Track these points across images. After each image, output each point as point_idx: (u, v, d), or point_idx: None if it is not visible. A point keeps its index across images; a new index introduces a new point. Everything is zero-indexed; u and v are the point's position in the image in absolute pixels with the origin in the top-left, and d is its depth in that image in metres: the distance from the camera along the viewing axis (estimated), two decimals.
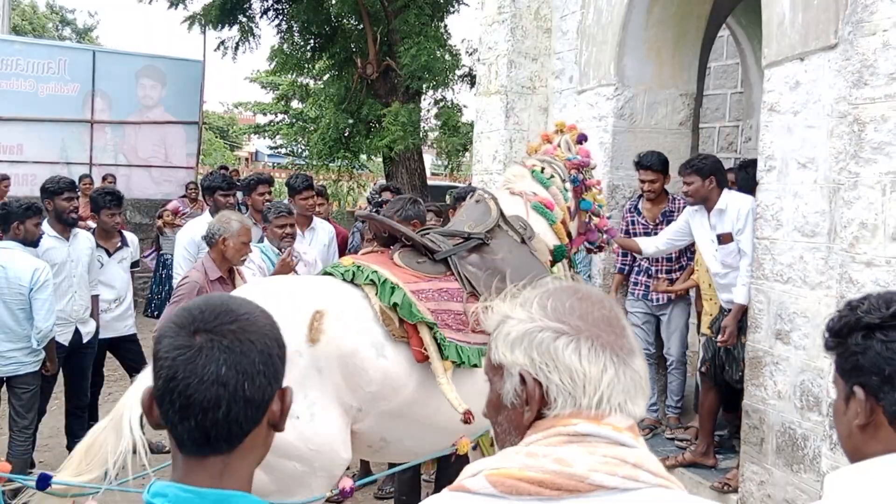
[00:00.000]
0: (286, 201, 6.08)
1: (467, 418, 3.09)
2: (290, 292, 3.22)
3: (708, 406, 5.15)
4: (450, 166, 14.72)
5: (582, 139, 4.50)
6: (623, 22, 5.87)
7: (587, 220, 4.34)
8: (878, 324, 1.39)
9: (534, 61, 6.75)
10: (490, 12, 6.94)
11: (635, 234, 5.75)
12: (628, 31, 5.89)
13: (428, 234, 3.63)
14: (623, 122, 5.99)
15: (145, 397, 1.23)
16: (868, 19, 3.59)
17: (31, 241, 4.90)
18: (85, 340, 5.36)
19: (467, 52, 13.68)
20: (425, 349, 3.13)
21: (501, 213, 3.68)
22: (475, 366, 3.18)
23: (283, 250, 4.88)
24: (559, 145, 4.38)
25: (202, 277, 4.23)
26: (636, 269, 5.84)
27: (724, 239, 4.88)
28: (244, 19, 13.55)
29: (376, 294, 3.15)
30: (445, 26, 13.27)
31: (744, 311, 4.73)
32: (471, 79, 13.63)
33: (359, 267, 3.27)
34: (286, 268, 4.67)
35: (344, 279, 3.27)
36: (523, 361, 1.22)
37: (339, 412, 3.04)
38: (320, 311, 3.03)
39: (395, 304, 3.11)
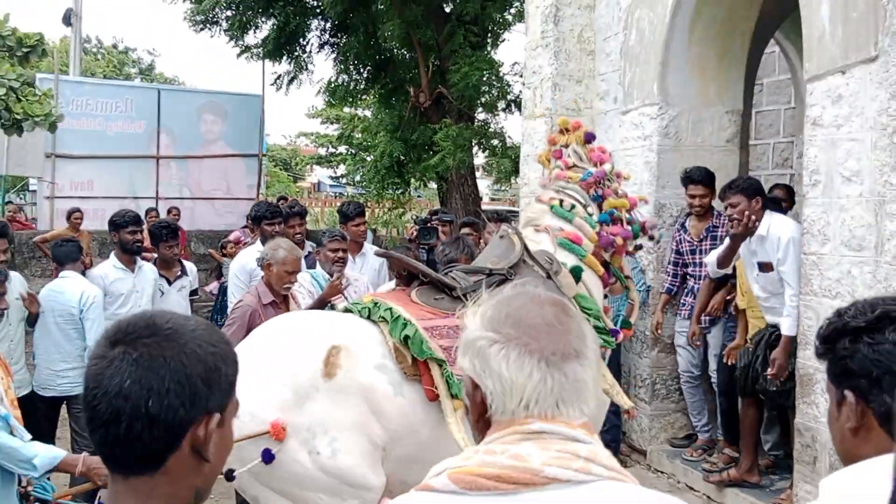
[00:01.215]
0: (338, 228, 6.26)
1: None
2: (306, 328, 3.26)
3: (749, 422, 5.07)
4: (508, 191, 14.79)
5: (590, 138, 4.35)
6: (665, 41, 5.89)
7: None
8: (865, 327, 1.42)
9: (578, 83, 6.81)
10: (534, 37, 7.04)
11: (681, 252, 5.75)
12: (671, 50, 5.92)
13: (451, 271, 3.61)
14: (668, 141, 5.99)
15: None
16: None
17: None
18: None
19: (517, 74, 13.82)
20: (436, 387, 3.10)
21: (526, 248, 3.61)
22: None
23: (333, 275, 5.01)
24: (569, 159, 4.22)
25: (255, 301, 4.37)
26: (685, 289, 5.81)
27: (765, 268, 4.82)
28: (299, 52, 13.92)
29: (389, 328, 3.15)
30: (493, 51, 13.43)
31: (792, 341, 4.64)
32: (517, 103, 13.75)
33: (376, 304, 3.28)
34: (335, 290, 4.78)
35: (361, 316, 3.28)
36: (469, 367, 1.29)
37: (364, 440, 3.02)
38: (336, 347, 3.04)
39: (405, 339, 3.09)
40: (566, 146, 4.28)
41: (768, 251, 4.77)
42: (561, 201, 3.97)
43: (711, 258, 5.16)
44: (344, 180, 27.96)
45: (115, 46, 34.80)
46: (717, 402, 5.59)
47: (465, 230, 6.67)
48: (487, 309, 1.31)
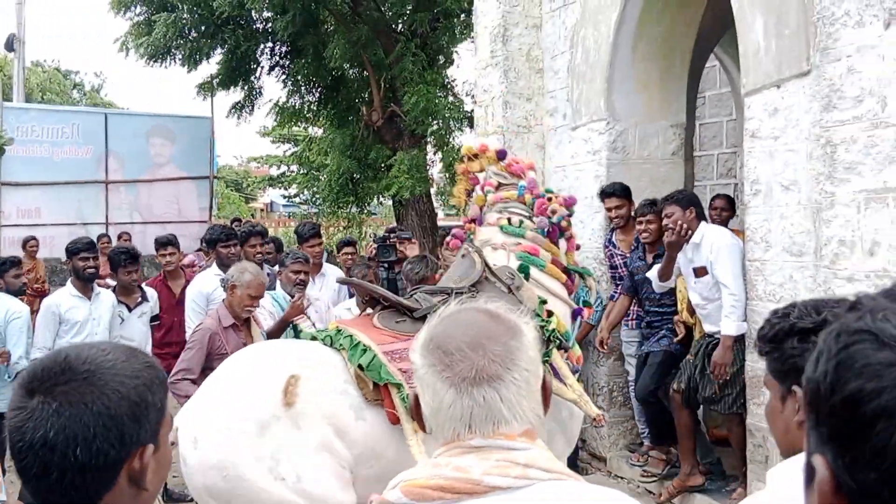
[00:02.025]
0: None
1: None
2: (266, 359, 3.28)
3: (684, 427, 5.18)
4: (462, 210, 14.90)
5: (502, 156, 4.36)
6: (610, 59, 6.08)
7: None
8: (812, 328, 1.54)
9: (528, 101, 6.97)
10: (483, 56, 7.19)
11: (615, 266, 5.94)
12: (616, 68, 6.11)
13: (416, 292, 3.66)
14: (616, 155, 6.17)
15: None
16: (833, 46, 3.78)
17: (13, 291, 5.73)
18: None
19: (468, 94, 14.01)
20: (397, 410, 3.13)
21: (486, 266, 3.64)
22: None
23: (293, 296, 5.06)
24: (492, 180, 4.26)
25: (216, 324, 4.40)
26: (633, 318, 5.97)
27: (699, 272, 4.98)
28: (251, 78, 13.93)
29: (349, 354, 3.19)
30: (444, 73, 13.59)
31: (734, 340, 4.81)
32: (471, 121, 13.94)
33: (338, 331, 3.32)
34: (297, 311, 4.83)
35: (325, 343, 3.32)
36: (416, 384, 1.38)
37: (330, 462, 3.06)
38: (295, 376, 3.07)
39: (363, 365, 3.13)
40: (481, 171, 4.33)
41: (703, 255, 4.97)
42: (509, 219, 4.02)
43: (653, 273, 5.30)
44: (297, 199, 27.85)
45: (57, 69, 34.20)
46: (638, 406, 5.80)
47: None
48: (423, 331, 1.39)
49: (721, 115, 9.66)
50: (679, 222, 4.91)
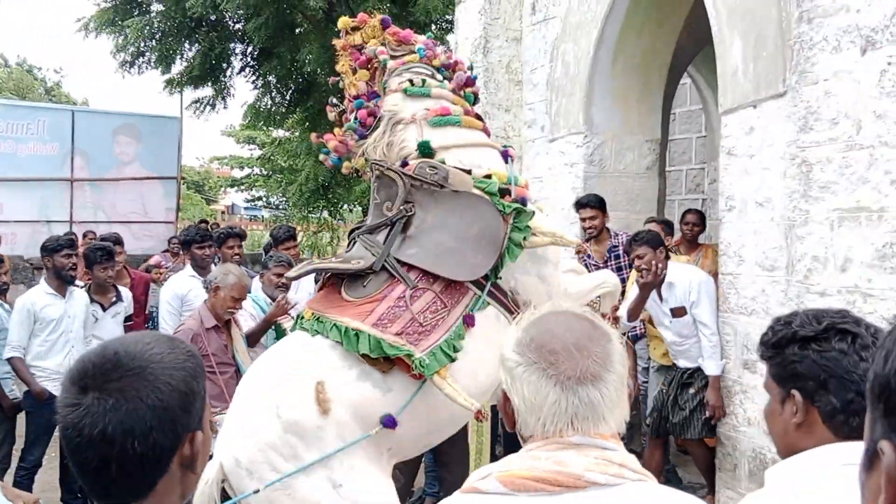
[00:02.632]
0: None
1: (479, 417, 3.06)
2: (285, 374, 3.09)
3: (655, 463, 5.21)
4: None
5: (386, 24, 3.88)
6: (589, 74, 6.22)
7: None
8: (813, 336, 1.62)
9: (507, 112, 7.09)
10: None
11: None
12: (594, 83, 6.25)
13: (355, 238, 3.42)
14: (593, 168, 6.31)
15: None
16: (810, 70, 3.93)
17: None
18: None
19: None
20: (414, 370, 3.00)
21: (403, 175, 3.29)
22: (453, 359, 3.03)
23: (275, 298, 5.08)
24: (384, 49, 3.79)
25: (197, 325, 4.41)
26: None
27: (677, 313, 5.05)
28: (223, 78, 13.87)
29: (345, 345, 3.03)
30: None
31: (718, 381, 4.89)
32: None
33: (318, 319, 3.14)
34: (281, 311, 4.85)
35: (313, 334, 3.14)
36: (502, 381, 1.46)
37: (376, 468, 3.00)
38: (321, 382, 2.96)
39: (369, 350, 2.99)
40: (363, 46, 3.86)
41: (679, 297, 5.00)
42: (411, 81, 3.67)
43: (622, 312, 5.20)
44: (260, 203, 27.68)
45: (19, 65, 33.65)
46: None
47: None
48: (518, 330, 1.46)
49: (691, 132, 9.89)
50: (654, 262, 4.90)
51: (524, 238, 3.20)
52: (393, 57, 3.78)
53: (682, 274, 5.03)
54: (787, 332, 1.66)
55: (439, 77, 3.76)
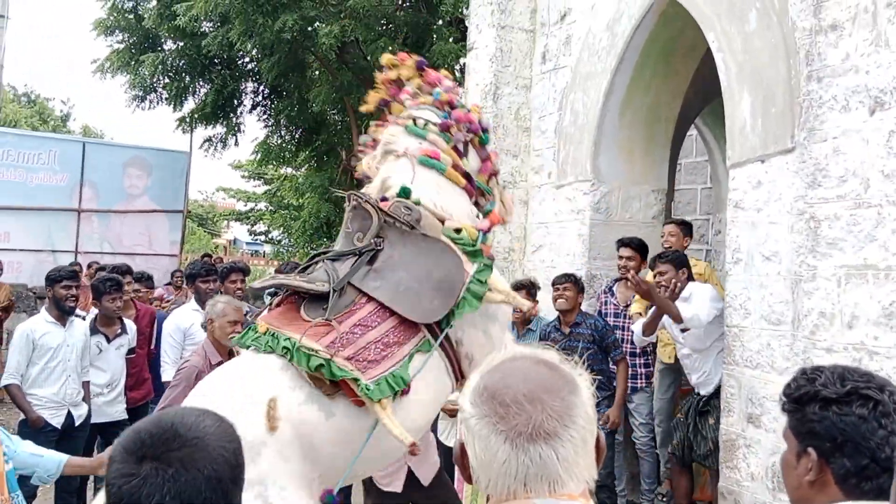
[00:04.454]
0: None
1: (413, 451, 3.06)
2: (236, 388, 3.10)
3: (683, 490, 5.35)
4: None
5: (421, 66, 4.02)
6: (598, 123, 6.30)
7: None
8: (835, 399, 1.63)
9: (514, 157, 7.15)
10: None
11: (605, 314, 6.04)
12: (603, 132, 6.32)
13: (320, 262, 3.45)
14: (599, 216, 6.35)
15: None
16: (819, 127, 3.98)
17: None
18: (77, 424, 5.47)
19: None
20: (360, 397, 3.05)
21: (379, 210, 3.38)
22: (396, 392, 3.09)
23: None
24: (409, 88, 3.97)
25: (202, 361, 4.40)
26: None
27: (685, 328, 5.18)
28: (233, 116, 14.04)
29: (295, 361, 3.06)
30: None
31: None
32: None
33: (273, 335, 3.17)
34: None
35: (266, 350, 3.15)
36: (463, 432, 1.33)
37: (306, 494, 3.01)
38: (273, 398, 2.97)
39: (318, 367, 3.03)
40: (399, 81, 4.04)
41: (693, 306, 5.12)
42: (415, 120, 3.78)
43: (637, 326, 5.47)
44: (262, 238, 27.74)
45: (26, 95, 33.96)
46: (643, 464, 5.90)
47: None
48: (475, 377, 1.34)
49: (696, 183, 9.96)
50: (673, 280, 5.10)
51: (483, 292, 3.29)
52: (414, 96, 3.91)
53: (698, 289, 5.19)
54: (810, 390, 1.66)
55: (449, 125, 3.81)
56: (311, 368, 3.00)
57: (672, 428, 5.45)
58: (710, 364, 5.15)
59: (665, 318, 5.26)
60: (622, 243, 5.94)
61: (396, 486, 4.25)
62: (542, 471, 1.22)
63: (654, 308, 5.28)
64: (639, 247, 5.90)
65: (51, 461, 3.52)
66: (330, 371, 3.00)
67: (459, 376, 3.37)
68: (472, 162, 3.80)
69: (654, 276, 5.28)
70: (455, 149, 3.65)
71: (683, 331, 5.18)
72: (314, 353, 3.03)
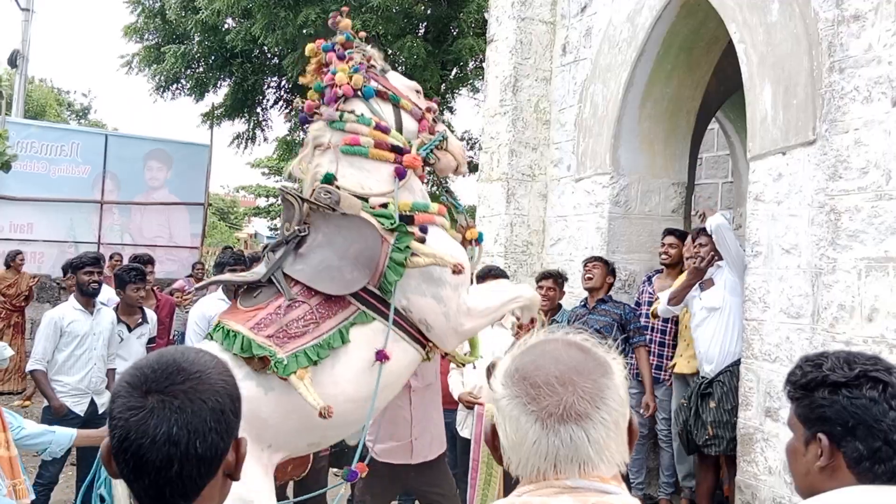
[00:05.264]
0: None
1: (324, 413, 3.16)
2: None
3: (707, 487, 5.35)
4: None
5: (327, 49, 3.97)
6: (618, 116, 6.27)
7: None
8: (844, 382, 1.62)
9: (533, 150, 7.14)
10: (492, 104, 7.36)
11: (640, 304, 6.03)
12: (623, 125, 6.29)
13: (261, 256, 3.71)
14: (618, 209, 6.33)
15: (104, 451, 1.27)
16: (841, 119, 3.95)
17: None
18: (101, 412, 5.54)
19: (466, 141, 14.22)
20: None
21: (301, 199, 3.56)
22: (315, 362, 3.27)
23: None
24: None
25: None
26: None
27: (705, 286, 5.28)
28: (258, 110, 14.10)
29: (226, 344, 3.27)
30: (448, 123, 13.87)
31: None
32: (469, 168, 14.19)
33: (217, 325, 3.42)
34: None
35: (214, 339, 3.39)
36: (494, 412, 1.34)
37: (256, 465, 3.14)
38: None
39: (240, 349, 3.22)
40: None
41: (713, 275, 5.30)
42: (341, 115, 3.77)
43: (664, 294, 5.50)
44: None
45: (45, 82, 34.22)
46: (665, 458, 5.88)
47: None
48: (508, 358, 1.35)
49: (717, 177, 9.89)
50: (710, 252, 5.20)
51: (405, 258, 3.44)
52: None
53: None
54: (817, 375, 1.65)
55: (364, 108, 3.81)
56: (233, 350, 3.22)
57: (676, 412, 5.46)
58: (717, 334, 5.16)
59: (693, 294, 5.34)
60: (668, 231, 6.01)
61: (395, 458, 4.26)
62: (573, 452, 1.23)
63: (684, 277, 5.36)
64: (683, 236, 5.94)
65: (63, 435, 3.67)
66: (251, 349, 3.21)
67: (425, 342, 3.55)
68: (407, 124, 3.84)
69: (694, 247, 5.38)
70: (378, 126, 3.69)
71: (703, 290, 5.27)
72: (238, 334, 3.26)
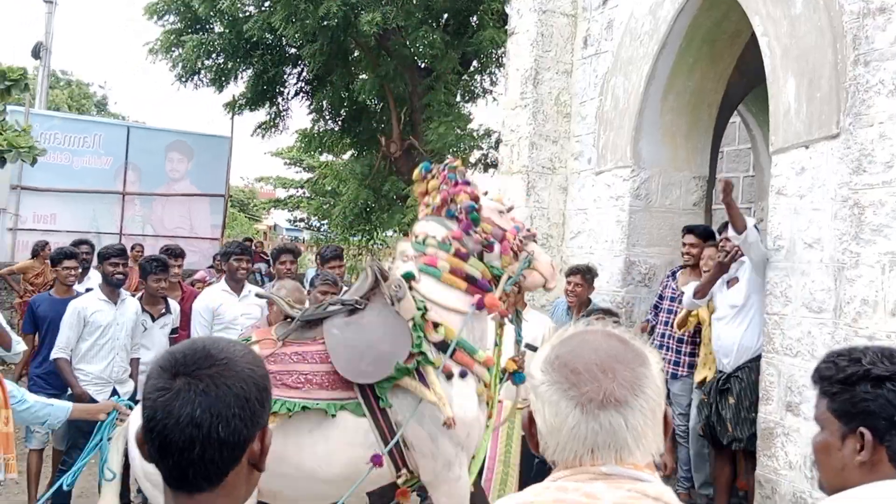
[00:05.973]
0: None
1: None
2: None
3: (724, 479, 5.34)
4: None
5: (451, 178, 4.03)
6: (639, 109, 6.25)
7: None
8: (888, 376, 1.61)
9: (554, 143, 7.13)
10: (513, 97, 7.36)
11: (663, 297, 6.00)
12: (644, 118, 6.27)
13: (323, 304, 3.88)
14: (639, 202, 6.31)
15: (138, 434, 1.31)
16: (866, 112, 3.92)
17: None
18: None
19: (482, 135, 14.19)
20: None
21: (377, 278, 3.74)
22: (305, 408, 3.38)
23: None
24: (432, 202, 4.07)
25: None
26: (654, 343, 6.07)
27: (731, 283, 5.26)
28: (278, 100, 14.16)
29: None
30: (469, 113, 13.89)
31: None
32: (485, 163, 14.23)
33: (248, 338, 3.58)
34: None
35: None
36: (532, 400, 1.36)
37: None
38: None
39: None
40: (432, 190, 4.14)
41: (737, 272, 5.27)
42: (424, 239, 3.94)
43: (689, 289, 5.46)
44: (302, 224, 27.96)
45: (63, 74, 34.46)
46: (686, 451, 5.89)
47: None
48: (547, 347, 1.37)
49: (738, 171, 9.83)
50: (735, 248, 5.13)
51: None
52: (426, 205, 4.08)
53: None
54: (858, 370, 1.63)
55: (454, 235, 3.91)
56: None
57: (698, 409, 5.45)
58: (738, 329, 5.13)
59: (717, 289, 5.32)
60: (688, 230, 5.93)
61: None
62: (611, 438, 1.25)
63: (711, 270, 5.32)
64: (703, 234, 5.90)
65: (60, 408, 3.77)
66: None
67: (399, 460, 3.55)
68: (494, 251, 3.91)
69: (720, 243, 5.36)
70: (458, 253, 3.79)
71: (728, 287, 5.25)
72: None
